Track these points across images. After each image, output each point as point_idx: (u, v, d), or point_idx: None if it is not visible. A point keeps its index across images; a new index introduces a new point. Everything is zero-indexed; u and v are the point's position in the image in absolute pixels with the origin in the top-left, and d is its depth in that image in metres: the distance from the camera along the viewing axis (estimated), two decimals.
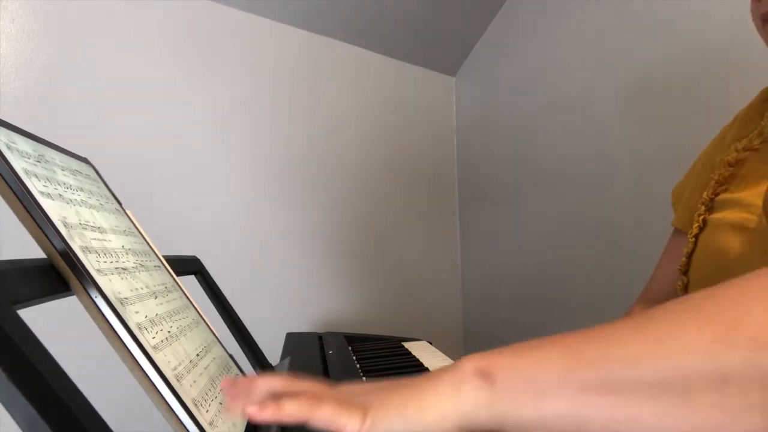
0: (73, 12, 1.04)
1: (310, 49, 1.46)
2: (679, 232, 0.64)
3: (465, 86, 1.82)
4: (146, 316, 0.35)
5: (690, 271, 0.53)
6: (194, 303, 0.49)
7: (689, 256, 0.53)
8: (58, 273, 0.30)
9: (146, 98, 1.15)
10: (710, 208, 0.53)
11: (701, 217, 0.53)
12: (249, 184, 1.32)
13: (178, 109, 1.20)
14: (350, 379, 0.70)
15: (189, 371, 0.36)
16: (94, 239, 0.35)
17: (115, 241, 0.39)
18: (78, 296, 0.30)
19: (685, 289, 0.54)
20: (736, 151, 0.52)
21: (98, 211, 0.40)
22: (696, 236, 0.53)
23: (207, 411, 0.34)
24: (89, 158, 0.47)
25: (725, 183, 0.53)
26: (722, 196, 0.52)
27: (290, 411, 0.28)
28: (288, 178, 1.40)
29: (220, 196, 1.26)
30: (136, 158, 1.12)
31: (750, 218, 0.46)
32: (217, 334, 0.50)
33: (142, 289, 0.37)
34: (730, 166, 0.52)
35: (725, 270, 0.48)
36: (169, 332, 0.37)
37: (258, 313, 1.27)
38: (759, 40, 0.52)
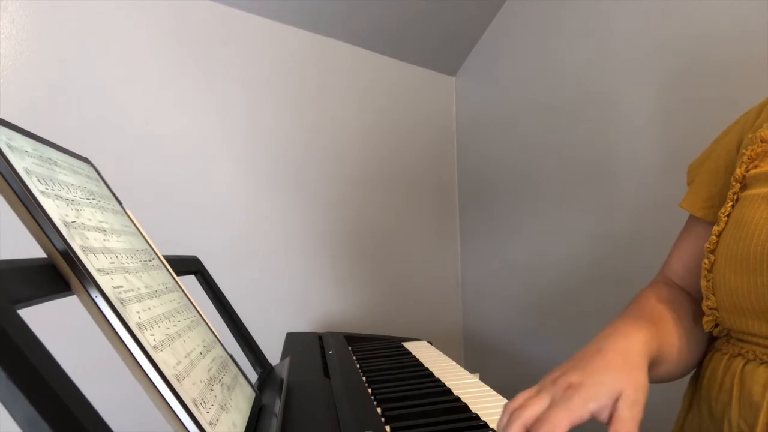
0: (73, 12, 1.04)
1: (311, 50, 1.46)
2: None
3: (465, 86, 1.82)
4: (147, 316, 0.35)
5: (718, 249, 0.52)
6: (194, 303, 0.49)
7: (719, 235, 0.52)
8: (59, 273, 0.30)
9: (146, 98, 1.15)
10: (744, 185, 0.52)
11: (735, 195, 0.53)
12: (249, 183, 1.32)
13: (178, 108, 1.20)
14: (350, 380, 0.70)
15: (189, 371, 0.36)
16: (95, 239, 0.35)
17: (115, 241, 0.39)
18: (78, 296, 0.30)
19: (711, 269, 0.53)
20: None
21: (99, 211, 0.40)
22: (728, 215, 0.52)
23: (207, 411, 0.34)
24: (89, 158, 0.46)
25: (756, 159, 0.52)
26: (753, 172, 0.51)
27: None
28: (288, 178, 1.40)
29: (220, 196, 1.26)
30: (137, 158, 1.12)
31: None
32: (217, 334, 0.50)
33: (142, 288, 0.37)
34: (763, 141, 0.52)
35: (751, 244, 0.47)
36: (169, 332, 0.37)
37: (258, 313, 1.27)
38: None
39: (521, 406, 0.43)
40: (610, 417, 0.41)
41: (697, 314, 0.59)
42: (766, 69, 0.89)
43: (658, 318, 0.55)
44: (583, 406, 0.41)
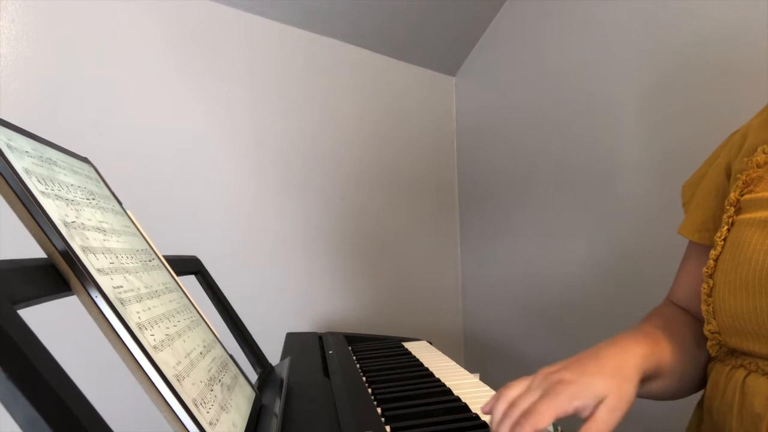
0: (73, 12, 1.04)
1: (311, 50, 1.46)
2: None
3: (465, 86, 1.82)
4: (147, 316, 0.35)
5: (716, 274, 0.53)
6: (194, 303, 0.49)
7: (716, 259, 0.53)
8: (59, 273, 0.30)
9: (146, 98, 1.15)
10: (738, 209, 0.53)
11: (730, 219, 0.53)
12: (249, 184, 1.32)
13: (178, 109, 1.20)
14: (350, 380, 0.70)
15: (189, 371, 0.36)
16: (95, 239, 0.35)
17: (115, 241, 0.39)
18: (78, 296, 0.30)
19: (711, 293, 0.53)
20: (765, 153, 0.53)
21: (99, 211, 0.40)
22: (724, 239, 0.53)
23: (207, 411, 0.34)
24: (89, 158, 0.46)
25: (751, 184, 0.53)
26: (748, 197, 0.52)
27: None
28: (288, 178, 1.40)
29: (220, 196, 1.26)
30: (136, 158, 1.12)
31: None
32: (217, 334, 0.50)
33: (142, 288, 0.37)
34: (759, 167, 0.53)
35: (749, 268, 0.48)
36: (169, 332, 0.37)
37: (258, 313, 1.27)
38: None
39: (513, 404, 0.47)
40: (589, 415, 0.44)
41: (698, 337, 0.60)
42: (764, 71, 0.89)
43: (662, 336, 0.57)
44: (568, 401, 0.44)
